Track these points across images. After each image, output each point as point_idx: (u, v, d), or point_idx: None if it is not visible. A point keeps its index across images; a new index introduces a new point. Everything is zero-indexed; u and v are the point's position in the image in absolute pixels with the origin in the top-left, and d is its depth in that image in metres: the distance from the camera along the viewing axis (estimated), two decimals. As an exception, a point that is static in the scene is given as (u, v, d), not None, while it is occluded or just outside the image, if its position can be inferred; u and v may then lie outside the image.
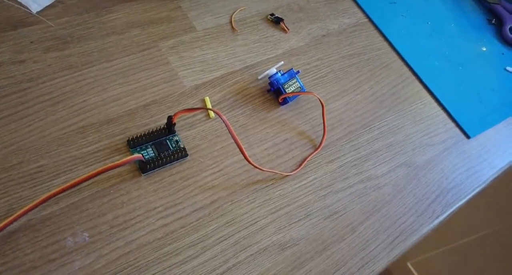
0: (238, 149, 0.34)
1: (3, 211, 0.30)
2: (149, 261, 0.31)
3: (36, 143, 0.34)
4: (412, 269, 1.42)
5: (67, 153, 0.34)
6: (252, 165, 0.35)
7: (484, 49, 0.57)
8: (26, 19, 0.40)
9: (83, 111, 0.36)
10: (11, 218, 0.29)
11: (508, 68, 0.56)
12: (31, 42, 0.39)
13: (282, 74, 0.42)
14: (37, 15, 0.40)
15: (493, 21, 0.61)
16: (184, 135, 0.38)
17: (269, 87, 0.42)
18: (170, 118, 0.35)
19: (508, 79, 0.55)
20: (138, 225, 0.32)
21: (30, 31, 0.39)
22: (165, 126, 0.37)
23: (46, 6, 0.41)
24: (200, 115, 0.39)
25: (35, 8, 0.40)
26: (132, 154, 0.35)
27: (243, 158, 0.35)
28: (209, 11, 0.47)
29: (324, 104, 0.42)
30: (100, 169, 0.31)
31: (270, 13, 0.49)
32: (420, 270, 1.40)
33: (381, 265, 0.37)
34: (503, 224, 1.08)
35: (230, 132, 0.33)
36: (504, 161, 0.48)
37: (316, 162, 0.40)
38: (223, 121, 0.32)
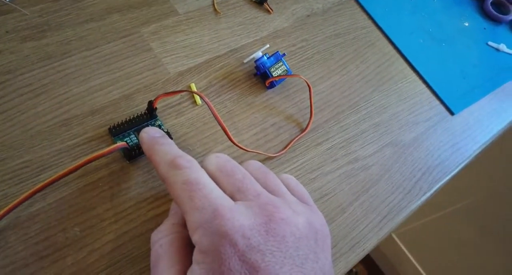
0: (226, 136, 0.34)
1: (-10, 210, 0.30)
2: (142, 252, 0.31)
3: (19, 137, 0.33)
4: (396, 239, 1.46)
5: (51, 147, 0.33)
6: (235, 144, 0.34)
7: (467, 24, 0.57)
8: (-2, 7, 0.38)
9: (66, 103, 0.35)
10: (-2, 216, 0.28)
11: (490, 43, 0.56)
12: (6, 32, 0.37)
13: (268, 58, 0.41)
14: (10, 4, 0.38)
15: (475, -4, 0.61)
16: (171, 124, 0.37)
17: (255, 71, 0.42)
18: (150, 103, 0.34)
19: (490, 55, 0.55)
20: (129, 217, 0.32)
21: (4, 21, 0.38)
22: (146, 111, 0.36)
23: (19, -7, 0.39)
24: (186, 102, 0.39)
25: (7, -5, 0.38)
26: (115, 142, 0.34)
27: (231, 144, 0.35)
28: (190, -7, 0.46)
29: (311, 87, 0.42)
30: (84, 160, 0.30)
31: (253, -7, 0.48)
32: (404, 240, 1.45)
33: (371, 243, 0.38)
34: (484, 194, 1.11)
35: (212, 111, 0.32)
36: (487, 136, 0.49)
37: (305, 145, 0.40)
38: (206, 102, 0.31)
